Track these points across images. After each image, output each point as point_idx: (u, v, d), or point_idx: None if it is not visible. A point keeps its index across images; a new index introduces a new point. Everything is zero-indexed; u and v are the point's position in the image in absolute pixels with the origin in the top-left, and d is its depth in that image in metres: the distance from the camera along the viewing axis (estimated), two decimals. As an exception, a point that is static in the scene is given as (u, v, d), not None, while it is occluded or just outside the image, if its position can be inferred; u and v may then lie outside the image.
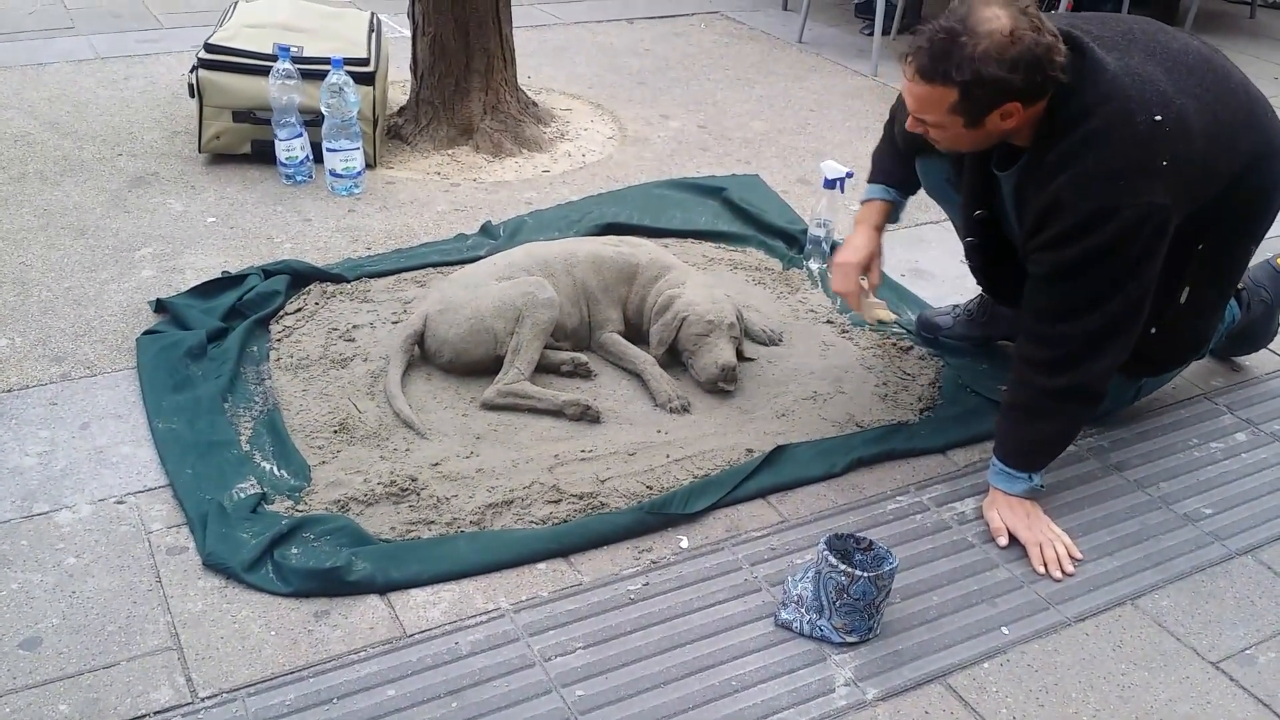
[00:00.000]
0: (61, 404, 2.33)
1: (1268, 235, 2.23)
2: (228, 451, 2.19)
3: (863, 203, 2.45)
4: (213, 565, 1.92)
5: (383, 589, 1.91)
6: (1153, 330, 2.16)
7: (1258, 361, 2.72)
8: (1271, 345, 2.75)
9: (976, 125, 1.95)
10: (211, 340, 2.51)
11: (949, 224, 2.62)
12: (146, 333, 2.55)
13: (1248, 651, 1.89)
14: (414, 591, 1.91)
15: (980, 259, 2.45)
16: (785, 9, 5.66)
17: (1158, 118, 1.90)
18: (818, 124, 4.15)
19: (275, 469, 2.16)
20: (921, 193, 2.48)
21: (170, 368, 2.41)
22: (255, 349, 2.52)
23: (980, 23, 1.86)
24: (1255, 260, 2.36)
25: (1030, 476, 2.12)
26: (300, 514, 2.04)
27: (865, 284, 2.35)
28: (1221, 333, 2.50)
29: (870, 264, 2.35)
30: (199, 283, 2.74)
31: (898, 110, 2.33)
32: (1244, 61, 2.17)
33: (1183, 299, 2.18)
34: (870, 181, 2.46)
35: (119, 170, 3.40)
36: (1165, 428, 2.48)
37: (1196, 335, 2.35)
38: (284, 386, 2.41)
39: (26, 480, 2.11)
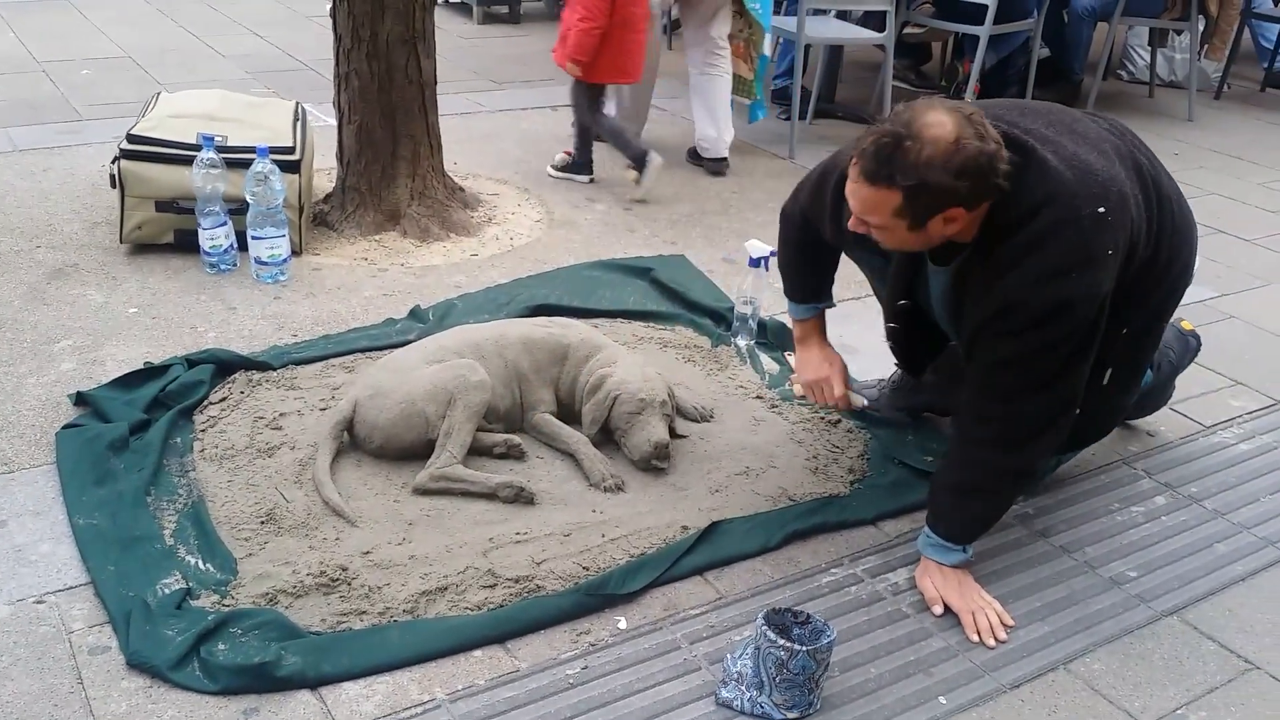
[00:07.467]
0: (-24, 502, 2.26)
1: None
2: (151, 546, 2.13)
3: (796, 322, 2.60)
4: (137, 664, 1.86)
5: (314, 683, 1.86)
6: (1077, 411, 2.21)
7: (1171, 426, 2.81)
8: (1185, 410, 2.85)
9: (920, 228, 1.95)
10: (134, 432, 2.46)
11: (872, 300, 2.68)
12: (66, 426, 2.49)
13: (1179, 712, 1.93)
14: (346, 685, 1.87)
15: (902, 341, 2.52)
16: (705, 94, 5.78)
17: (1100, 210, 1.93)
18: (740, 205, 4.25)
19: (200, 563, 2.11)
20: (844, 270, 2.53)
21: (91, 461, 2.34)
22: (179, 440, 2.47)
23: (925, 128, 1.85)
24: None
25: (964, 548, 2.15)
26: (227, 609, 1.98)
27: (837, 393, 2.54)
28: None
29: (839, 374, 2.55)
30: (120, 374, 2.69)
31: (806, 209, 2.40)
32: (1146, 139, 2.26)
33: (1105, 380, 2.24)
34: (795, 300, 2.59)
35: (38, 262, 3.34)
36: (1087, 493, 2.53)
37: (1116, 411, 2.44)
38: (209, 478, 2.36)
39: (-62, 583, 2.04)
